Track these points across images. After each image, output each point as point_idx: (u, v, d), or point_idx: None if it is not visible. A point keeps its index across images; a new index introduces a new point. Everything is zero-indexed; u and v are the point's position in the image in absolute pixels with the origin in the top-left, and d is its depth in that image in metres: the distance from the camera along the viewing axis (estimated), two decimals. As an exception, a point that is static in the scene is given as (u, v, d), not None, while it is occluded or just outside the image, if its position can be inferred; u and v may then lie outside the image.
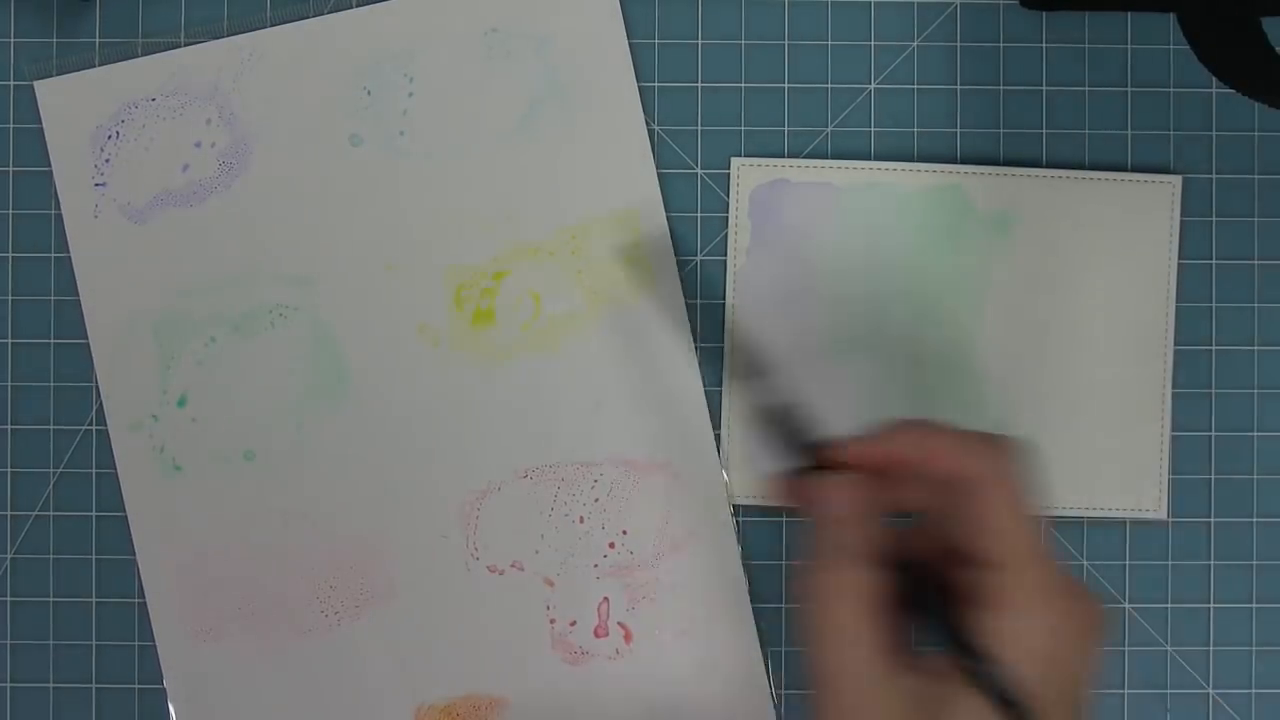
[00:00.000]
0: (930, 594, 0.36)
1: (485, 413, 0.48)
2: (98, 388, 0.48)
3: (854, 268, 0.48)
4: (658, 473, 0.48)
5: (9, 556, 0.49)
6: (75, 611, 0.49)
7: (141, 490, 0.48)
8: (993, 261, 0.48)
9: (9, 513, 0.49)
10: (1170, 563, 0.49)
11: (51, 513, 0.49)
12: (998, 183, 0.48)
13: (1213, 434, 0.49)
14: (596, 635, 0.48)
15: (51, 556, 0.49)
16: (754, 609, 0.48)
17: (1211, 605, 0.48)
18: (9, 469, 0.49)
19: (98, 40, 0.49)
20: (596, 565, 0.48)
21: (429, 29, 0.48)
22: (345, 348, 0.48)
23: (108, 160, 0.48)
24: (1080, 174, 0.48)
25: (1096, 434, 0.48)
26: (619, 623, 0.48)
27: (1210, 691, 0.48)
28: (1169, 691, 0.48)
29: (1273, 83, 0.39)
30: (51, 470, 0.49)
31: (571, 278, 0.48)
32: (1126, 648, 0.48)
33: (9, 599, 0.49)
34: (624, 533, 0.48)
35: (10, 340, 0.49)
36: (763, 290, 0.48)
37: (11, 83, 0.49)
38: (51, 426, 0.49)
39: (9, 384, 0.49)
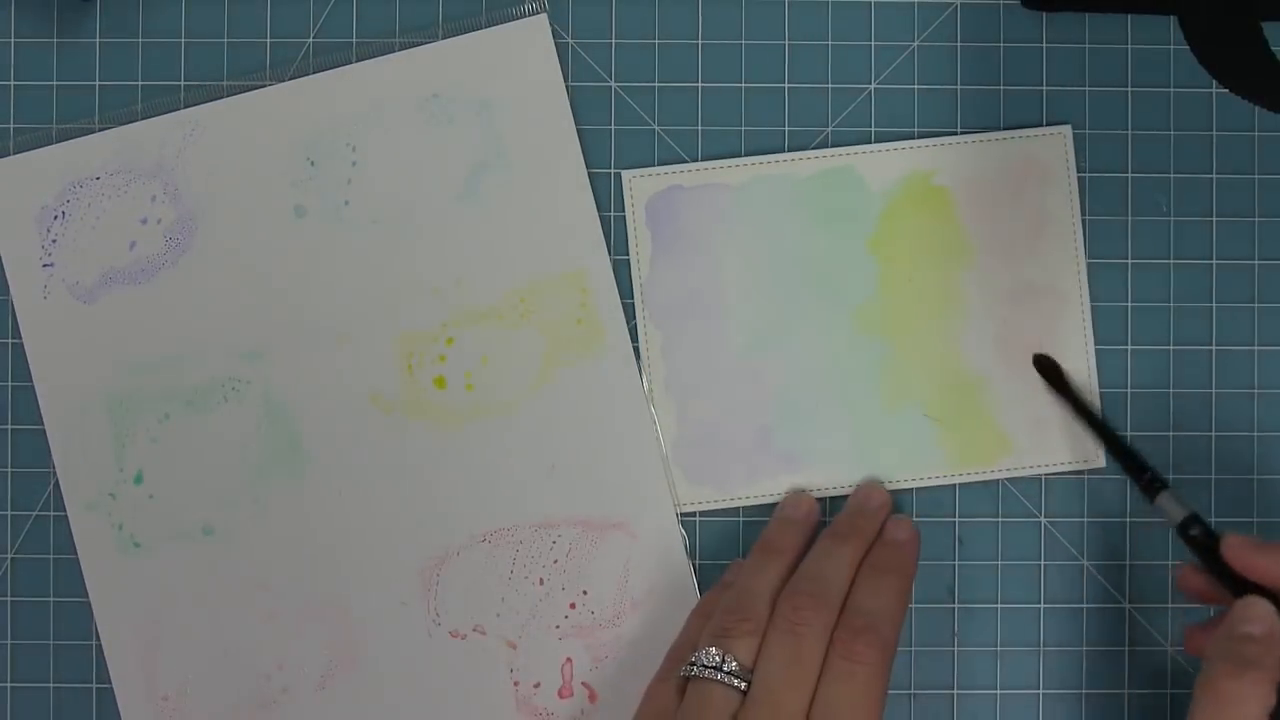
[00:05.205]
0: None
1: (441, 478, 0.48)
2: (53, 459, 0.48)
3: (758, 263, 0.48)
4: (615, 531, 0.48)
5: (9, 556, 0.49)
6: (75, 611, 0.49)
7: (101, 569, 0.48)
8: (895, 236, 0.48)
9: (9, 513, 0.49)
10: (1170, 562, 0.49)
11: (51, 513, 0.49)
12: (888, 158, 0.48)
13: (1213, 434, 0.49)
14: (561, 696, 0.48)
15: (51, 556, 0.49)
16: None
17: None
18: (9, 469, 0.49)
19: (98, 40, 0.49)
20: (558, 626, 0.48)
21: (370, 97, 0.48)
22: (299, 419, 0.48)
23: (54, 240, 0.48)
24: (972, 137, 0.48)
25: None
26: (583, 682, 0.48)
27: (1210, 691, 0.48)
28: (1169, 691, 0.48)
29: (1272, 86, 0.39)
30: (51, 470, 0.49)
31: (521, 340, 0.48)
32: (1126, 648, 0.48)
33: (9, 599, 0.49)
34: (584, 593, 0.48)
35: (10, 340, 0.49)
36: (670, 297, 0.48)
37: (12, 83, 0.49)
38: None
39: (9, 384, 0.49)
